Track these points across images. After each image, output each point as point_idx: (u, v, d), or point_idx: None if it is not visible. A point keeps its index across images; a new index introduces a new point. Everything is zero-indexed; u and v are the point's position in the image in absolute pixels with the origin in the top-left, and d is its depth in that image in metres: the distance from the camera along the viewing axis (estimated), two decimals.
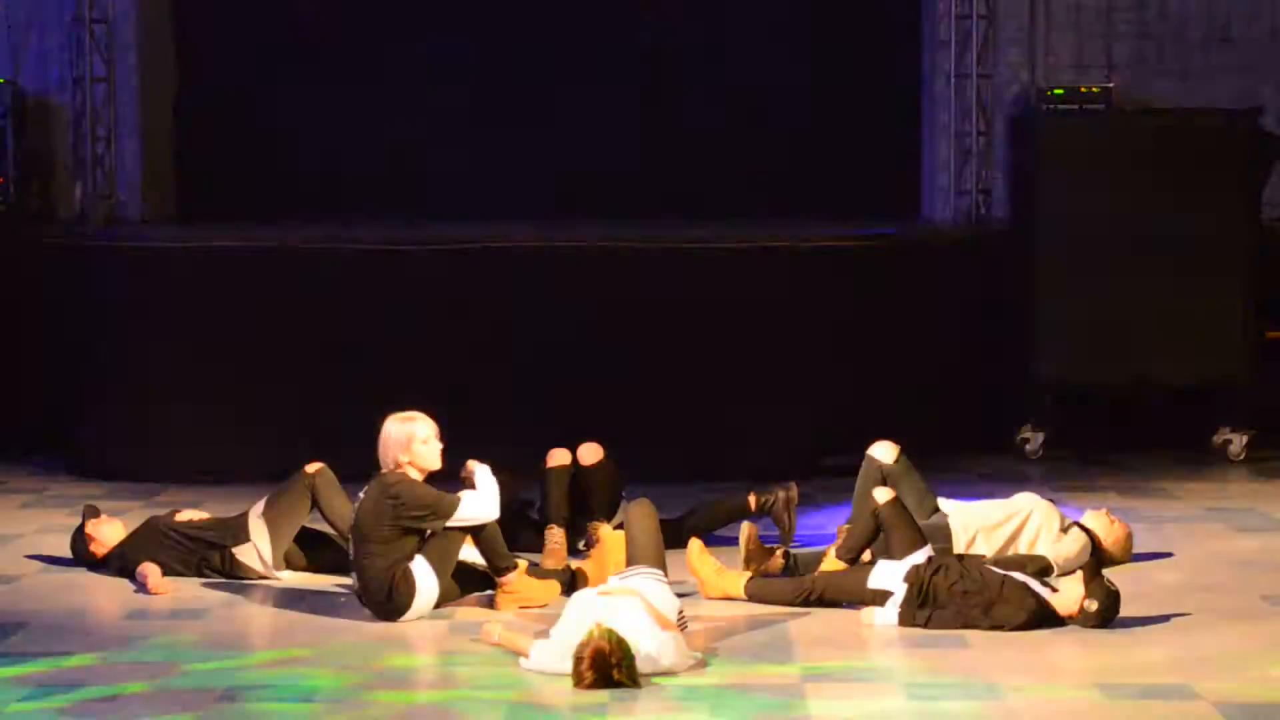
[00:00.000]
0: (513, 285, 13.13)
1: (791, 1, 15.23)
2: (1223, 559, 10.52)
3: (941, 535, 9.96)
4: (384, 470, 9.36)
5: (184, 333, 13.09)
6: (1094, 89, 14.00)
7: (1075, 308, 13.57)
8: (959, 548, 9.99)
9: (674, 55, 15.26)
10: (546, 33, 15.23)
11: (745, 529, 10.08)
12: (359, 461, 9.75)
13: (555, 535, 10.34)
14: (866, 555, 9.69)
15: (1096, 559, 9.87)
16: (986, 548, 10.01)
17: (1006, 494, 10.45)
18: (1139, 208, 13.51)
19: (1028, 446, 13.61)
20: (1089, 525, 10.22)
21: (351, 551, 9.37)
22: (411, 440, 9.35)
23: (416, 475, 9.36)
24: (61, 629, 9.12)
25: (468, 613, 9.33)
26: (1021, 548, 10.05)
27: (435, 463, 9.42)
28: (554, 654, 8.27)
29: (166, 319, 13.13)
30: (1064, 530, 10.12)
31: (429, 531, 9.30)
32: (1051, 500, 10.36)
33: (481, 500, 9.31)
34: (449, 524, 9.25)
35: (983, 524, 10.11)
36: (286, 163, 15.29)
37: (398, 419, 9.42)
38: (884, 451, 10.28)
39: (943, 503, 10.24)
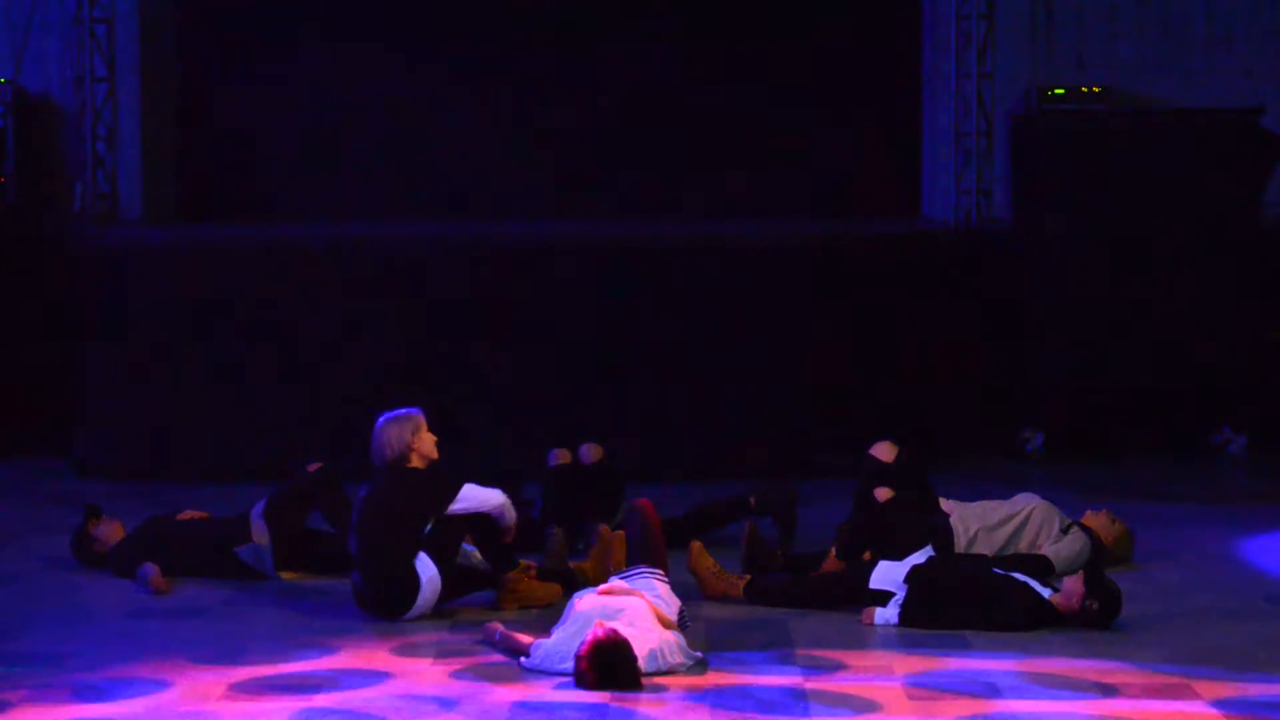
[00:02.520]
0: (513, 285, 13.12)
1: (792, 1, 15.23)
2: (1223, 559, 10.52)
3: (942, 535, 9.96)
4: (388, 464, 9.39)
5: (184, 332, 13.08)
6: (1094, 89, 13.99)
7: (1075, 307, 13.57)
8: (959, 547, 9.98)
9: (674, 55, 15.25)
10: (546, 32, 15.22)
11: (747, 529, 10.08)
12: (359, 461, 9.75)
13: (555, 535, 10.34)
14: (866, 555, 9.68)
15: (1097, 558, 9.88)
16: (987, 547, 10.00)
17: (1006, 494, 10.45)
18: (1139, 207, 13.52)
19: (1028, 446, 13.60)
20: (1089, 525, 10.22)
21: (353, 550, 9.38)
22: (418, 429, 9.41)
23: (420, 464, 9.42)
24: (61, 629, 9.12)
25: (469, 612, 9.33)
26: (1022, 547, 10.05)
27: (435, 451, 9.47)
28: (555, 653, 8.27)
29: (166, 319, 13.12)
30: (1064, 530, 10.11)
31: (429, 527, 9.30)
32: (1051, 500, 10.35)
33: (486, 491, 9.37)
34: (454, 507, 9.28)
35: (983, 523, 10.11)
36: (286, 162, 15.28)
37: (394, 415, 9.46)
38: (884, 451, 10.28)
39: (943, 502, 10.24)
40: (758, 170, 15.17)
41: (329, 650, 8.73)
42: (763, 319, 13.12)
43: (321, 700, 7.97)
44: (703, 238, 13.55)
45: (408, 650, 8.75)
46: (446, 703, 7.96)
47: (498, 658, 8.55)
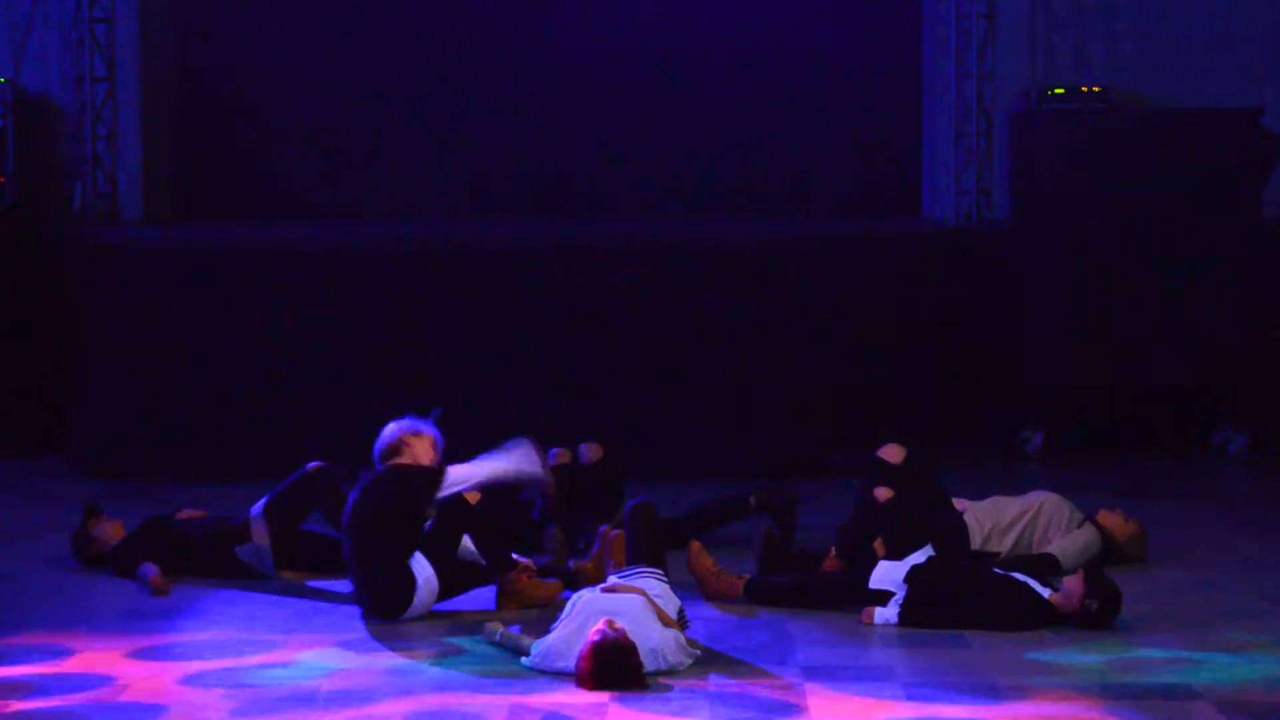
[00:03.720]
0: (513, 284, 13.13)
1: (792, 1, 15.24)
2: (1223, 558, 10.52)
3: (958, 532, 9.94)
4: (385, 465, 9.41)
5: (184, 332, 13.09)
6: (1094, 89, 14.00)
7: (1075, 307, 13.57)
8: (975, 544, 9.96)
9: (674, 54, 15.26)
10: (546, 33, 15.24)
11: (764, 531, 10.05)
12: (359, 461, 9.76)
13: (555, 535, 10.35)
14: (879, 545, 9.66)
15: (1100, 557, 9.87)
16: (1001, 544, 9.99)
17: (1007, 494, 10.43)
18: (1138, 207, 13.51)
19: (1028, 446, 13.60)
20: (1103, 523, 10.20)
21: (348, 551, 9.38)
22: (417, 432, 9.42)
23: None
24: (62, 629, 9.11)
25: (468, 612, 9.33)
26: (1034, 542, 10.02)
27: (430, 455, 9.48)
28: (555, 653, 8.27)
29: (166, 318, 13.13)
30: (1078, 526, 10.10)
31: (427, 526, 9.32)
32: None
33: (481, 464, 9.36)
34: (459, 486, 9.29)
35: (997, 521, 10.09)
36: (286, 162, 15.30)
37: (410, 423, 9.50)
38: (892, 453, 10.27)
39: (956, 501, 10.22)
40: (757, 170, 15.19)
41: (328, 647, 8.74)
42: (763, 319, 13.12)
43: (321, 701, 7.97)
44: (703, 238, 13.54)
45: (406, 649, 8.75)
46: (447, 702, 7.96)
47: (497, 656, 8.55)
